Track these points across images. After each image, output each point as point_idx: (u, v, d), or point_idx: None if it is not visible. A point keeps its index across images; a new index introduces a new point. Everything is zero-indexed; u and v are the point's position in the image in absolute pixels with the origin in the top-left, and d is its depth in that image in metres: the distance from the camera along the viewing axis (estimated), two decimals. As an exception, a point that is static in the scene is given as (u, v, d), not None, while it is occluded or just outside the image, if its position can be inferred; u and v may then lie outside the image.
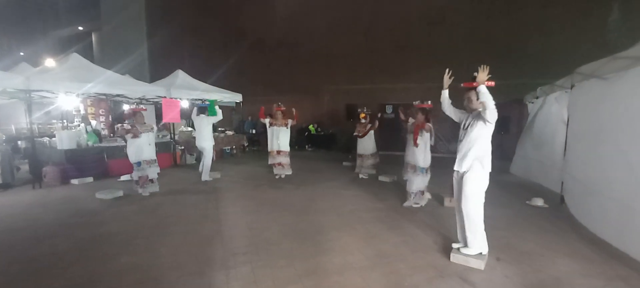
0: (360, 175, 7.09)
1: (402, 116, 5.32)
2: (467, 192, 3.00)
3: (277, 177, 6.79)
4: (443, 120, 10.43)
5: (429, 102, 4.80)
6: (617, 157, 3.43)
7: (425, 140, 4.76)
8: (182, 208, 4.82)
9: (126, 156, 7.26)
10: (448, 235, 3.67)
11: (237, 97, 10.05)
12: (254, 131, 12.69)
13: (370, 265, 3.04)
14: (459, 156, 3.08)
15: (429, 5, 11.27)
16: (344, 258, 3.18)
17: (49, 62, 8.31)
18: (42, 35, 21.55)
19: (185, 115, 9.97)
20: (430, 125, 4.73)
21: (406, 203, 4.87)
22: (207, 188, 6.12)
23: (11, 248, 3.41)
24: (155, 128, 5.79)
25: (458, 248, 3.14)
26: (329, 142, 12.42)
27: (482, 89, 2.79)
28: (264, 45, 14.31)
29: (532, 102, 7.01)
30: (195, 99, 8.85)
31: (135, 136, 5.35)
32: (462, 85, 3.06)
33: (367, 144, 7.00)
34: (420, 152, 4.76)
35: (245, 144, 11.37)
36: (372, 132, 6.96)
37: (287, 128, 6.70)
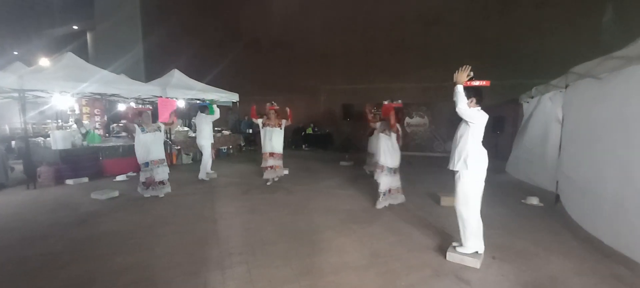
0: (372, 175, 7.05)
1: (368, 115, 5.18)
2: (457, 192, 3.06)
3: (268, 182, 6.29)
4: (439, 120, 10.52)
5: (399, 101, 4.73)
6: (610, 156, 3.46)
7: (392, 141, 4.67)
8: (178, 208, 4.80)
9: (121, 156, 7.30)
10: (444, 234, 3.69)
11: (234, 97, 10.03)
12: (250, 131, 12.65)
13: (366, 264, 3.04)
14: (451, 155, 3.13)
15: (425, 5, 11.30)
16: (340, 257, 3.18)
17: (43, 61, 8.25)
18: (36, 34, 21.34)
19: (181, 115, 9.95)
20: (398, 126, 4.64)
21: (379, 205, 4.74)
22: (203, 188, 6.10)
23: (5, 249, 3.38)
24: (163, 127, 5.55)
25: (454, 247, 3.15)
26: (325, 142, 12.42)
27: (456, 89, 2.87)
28: (260, 45, 14.28)
29: (528, 102, 7.05)
30: (192, 99, 8.82)
31: (130, 133, 5.27)
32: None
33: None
34: (388, 153, 4.68)
35: (242, 144, 11.34)
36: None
37: (281, 129, 6.29)
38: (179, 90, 8.35)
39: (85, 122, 8.81)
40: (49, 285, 2.67)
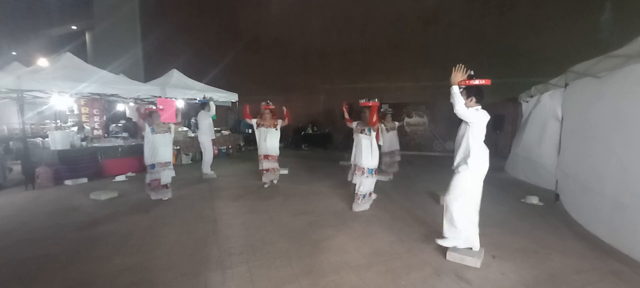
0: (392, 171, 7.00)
1: (345, 113, 5.04)
2: (451, 184, 3.07)
3: (266, 185, 6.03)
4: (438, 119, 10.53)
5: (376, 99, 4.47)
6: (609, 154, 3.47)
7: (372, 140, 4.48)
8: (178, 208, 4.79)
9: (120, 156, 7.29)
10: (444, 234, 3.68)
11: (233, 97, 10.02)
12: (250, 130, 12.62)
13: (367, 263, 3.04)
14: (454, 155, 3.13)
15: (423, 5, 11.31)
16: (340, 257, 3.18)
17: (42, 61, 8.23)
18: (34, 34, 21.30)
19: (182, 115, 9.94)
20: (379, 126, 4.52)
21: (357, 208, 4.57)
22: (202, 188, 6.09)
23: (2, 251, 3.36)
24: (173, 128, 5.36)
25: (436, 240, 3.22)
26: (325, 141, 12.41)
27: (452, 90, 2.85)
28: (259, 45, 14.26)
29: (527, 101, 7.06)
30: (191, 99, 8.81)
31: (140, 132, 5.16)
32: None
33: (394, 140, 6.94)
34: (369, 153, 4.47)
35: (242, 144, 11.32)
36: (396, 129, 6.93)
37: (277, 129, 5.93)
38: (178, 90, 8.34)
39: (87, 128, 8.78)
40: (49, 287, 2.65)
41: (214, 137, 7.26)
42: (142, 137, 5.15)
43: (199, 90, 8.87)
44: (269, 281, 2.73)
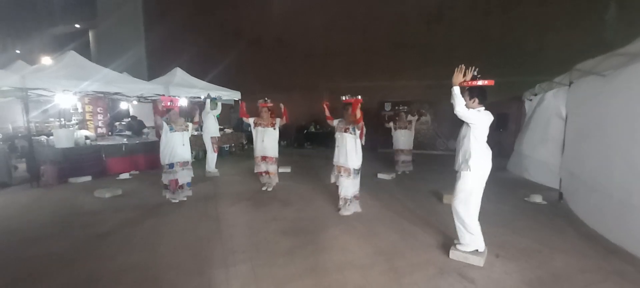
0: (402, 171, 7.07)
1: (326, 111, 4.81)
2: (456, 189, 3.04)
3: (264, 188, 5.68)
4: (441, 118, 10.50)
5: (359, 96, 4.22)
6: (615, 153, 3.45)
7: (356, 139, 4.23)
8: (181, 206, 4.80)
9: (125, 154, 7.32)
10: (447, 233, 3.68)
11: (236, 95, 10.01)
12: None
13: (370, 262, 3.05)
14: (456, 155, 3.12)
15: (426, 3, 11.27)
16: (343, 255, 3.18)
17: (46, 59, 8.26)
18: (38, 32, 21.37)
19: (184, 113, 9.96)
20: (362, 124, 4.19)
21: (346, 212, 4.33)
22: (205, 186, 6.10)
23: (8, 249, 3.39)
24: (191, 126, 5.14)
25: (455, 245, 3.15)
26: (328, 140, 12.40)
27: (453, 91, 2.83)
28: (262, 43, 14.27)
29: (530, 99, 7.03)
30: (194, 97, 8.82)
31: (158, 130, 4.91)
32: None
33: (408, 139, 7.02)
34: (354, 152, 4.23)
35: (244, 142, 11.34)
36: (413, 127, 6.99)
37: (275, 129, 5.53)
38: (182, 88, 8.35)
39: (91, 134, 8.80)
40: (54, 285, 2.68)
41: (218, 135, 7.30)
42: (159, 135, 4.95)
43: (202, 89, 8.88)
44: (272, 279, 2.74)
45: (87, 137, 7.40)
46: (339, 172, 4.36)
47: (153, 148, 7.87)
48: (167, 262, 3.06)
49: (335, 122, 4.56)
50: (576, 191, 4.40)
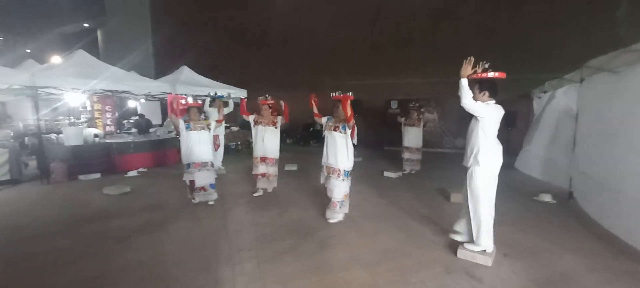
0: (409, 170, 6.94)
1: (313, 108, 4.56)
2: (468, 188, 2.98)
3: (256, 194, 5.23)
4: (448, 115, 10.40)
5: (350, 93, 4.03)
6: (629, 151, 3.37)
7: (346, 138, 3.94)
8: (188, 204, 4.83)
9: (133, 152, 7.40)
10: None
11: (242, 93, 10.03)
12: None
13: (376, 260, 3.03)
14: (464, 151, 3.07)
15: (433, -1, 11.15)
16: (349, 253, 3.18)
17: (55, 58, 8.37)
18: (48, 31, 21.71)
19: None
20: (353, 122, 3.90)
21: (334, 218, 4.02)
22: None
23: (17, 245, 3.45)
24: (213, 125, 4.82)
25: (462, 244, 3.11)
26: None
27: (461, 83, 2.78)
28: (267, 41, 14.28)
29: (540, 97, 6.92)
30: (200, 95, 8.88)
31: (176, 129, 4.73)
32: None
33: (415, 137, 6.86)
34: (343, 153, 3.94)
35: (250, 140, 11.38)
36: (421, 125, 6.84)
37: (276, 128, 5.16)
38: (189, 86, 8.39)
39: (100, 131, 8.92)
40: (60, 281, 2.71)
41: (218, 134, 7.29)
42: (178, 133, 4.79)
43: (208, 87, 8.92)
44: (278, 277, 2.74)
45: (95, 135, 7.50)
46: (329, 173, 4.04)
47: (161, 145, 7.96)
48: (173, 259, 3.09)
49: (323, 120, 4.27)
50: (587, 190, 4.32)
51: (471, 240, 3.07)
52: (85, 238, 3.58)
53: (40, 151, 6.52)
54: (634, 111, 3.35)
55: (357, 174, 6.89)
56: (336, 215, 4.02)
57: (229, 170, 7.24)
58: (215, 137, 7.13)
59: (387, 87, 11.85)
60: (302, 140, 12.48)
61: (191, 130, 4.60)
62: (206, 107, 7.09)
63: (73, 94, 6.96)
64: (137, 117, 10.02)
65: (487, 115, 2.80)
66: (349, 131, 3.92)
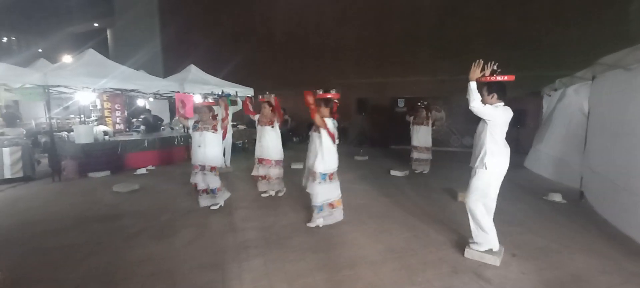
0: (419, 171, 6.83)
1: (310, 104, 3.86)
2: (470, 187, 2.97)
3: (263, 195, 5.04)
4: (456, 114, 10.30)
5: (334, 90, 3.84)
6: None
7: (320, 138, 3.71)
8: (195, 202, 4.87)
9: (142, 150, 7.50)
10: (461, 231, 3.61)
11: (249, 91, 10.09)
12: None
13: (381, 259, 3.02)
14: (472, 152, 3.04)
15: (441, -4, 11.04)
16: (355, 252, 3.17)
17: (66, 58, 8.51)
18: (59, 31, 22.13)
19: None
20: (328, 126, 3.66)
21: (311, 223, 3.82)
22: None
23: (31, 239, 3.54)
24: (220, 127, 4.51)
25: (469, 244, 3.09)
26: (339, 136, 12.33)
27: (469, 86, 2.74)
28: (274, 39, 14.32)
29: (550, 95, 6.80)
30: (207, 94, 8.95)
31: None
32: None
33: (424, 136, 6.74)
34: (319, 154, 3.69)
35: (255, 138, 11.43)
36: (430, 123, 6.71)
37: (273, 127, 4.90)
38: (196, 85, 8.47)
39: (109, 129, 9.06)
40: (72, 276, 2.76)
41: (231, 132, 7.39)
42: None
43: (215, 85, 8.99)
44: (284, 275, 2.75)
45: (105, 133, 7.61)
46: (308, 176, 3.84)
47: (169, 143, 8.05)
48: (181, 255, 3.12)
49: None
50: (599, 189, 4.23)
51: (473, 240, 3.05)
52: (97, 235, 3.64)
53: (52, 149, 6.65)
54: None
55: (363, 173, 6.92)
56: (314, 220, 3.80)
57: (235, 168, 7.29)
58: None
59: (394, 85, 11.79)
60: (308, 139, 12.48)
61: (195, 130, 4.41)
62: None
63: (83, 92, 7.08)
64: (144, 116, 10.15)
65: (496, 118, 2.77)
66: (324, 131, 3.68)
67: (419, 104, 6.92)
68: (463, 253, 3.04)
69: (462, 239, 3.33)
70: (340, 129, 11.98)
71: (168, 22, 17.42)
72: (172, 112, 11.80)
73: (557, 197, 4.79)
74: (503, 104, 2.83)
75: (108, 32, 21.95)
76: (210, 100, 4.51)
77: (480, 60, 2.77)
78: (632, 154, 3.49)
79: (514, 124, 8.62)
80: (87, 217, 4.24)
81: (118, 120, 9.82)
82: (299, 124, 10.84)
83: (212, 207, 4.45)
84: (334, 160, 3.79)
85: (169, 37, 17.31)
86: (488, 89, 2.81)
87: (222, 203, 4.52)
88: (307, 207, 4.57)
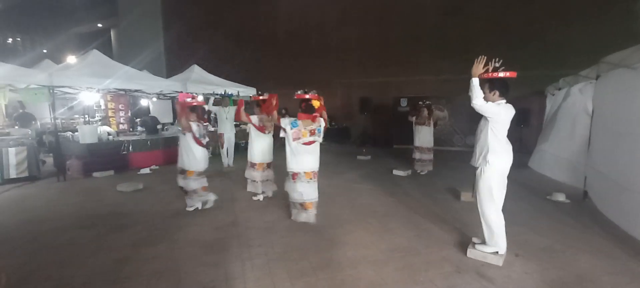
0: (419, 171, 6.79)
1: (307, 101, 4.08)
2: (478, 189, 2.95)
3: (255, 198, 4.95)
4: (459, 113, 10.26)
5: (314, 92, 3.96)
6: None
7: (288, 138, 3.82)
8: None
9: (146, 150, 7.54)
10: (464, 231, 3.61)
11: (252, 91, 10.11)
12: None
13: (384, 259, 3.03)
14: (474, 150, 3.03)
15: (444, -6, 11.00)
16: (357, 251, 3.18)
17: (71, 58, 8.58)
18: (63, 32, 22.29)
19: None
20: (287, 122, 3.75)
21: (302, 217, 3.91)
22: (222, 180, 6.22)
23: (39, 236, 3.58)
24: (195, 126, 4.25)
25: (474, 244, 3.08)
26: (342, 136, 12.37)
27: (471, 82, 2.73)
28: (276, 39, 14.32)
29: (553, 94, 6.76)
30: (210, 94, 8.99)
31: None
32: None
33: (426, 136, 6.72)
34: (317, 154, 3.98)
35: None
36: (432, 123, 6.71)
37: (268, 132, 4.90)
38: (199, 85, 8.51)
39: (113, 130, 9.12)
40: (78, 274, 2.79)
41: (222, 132, 7.32)
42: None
43: (218, 85, 9.02)
44: (287, 273, 2.76)
45: (109, 133, 7.66)
46: (295, 177, 3.97)
47: (172, 143, 8.07)
48: (185, 253, 3.14)
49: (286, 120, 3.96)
50: (603, 189, 4.21)
51: (484, 241, 3.03)
52: (102, 233, 3.68)
53: (57, 149, 6.70)
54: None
55: (365, 172, 6.92)
56: (302, 216, 3.93)
57: (238, 167, 7.30)
58: (220, 135, 7.21)
59: (397, 84, 11.77)
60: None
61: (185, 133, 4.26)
62: (210, 106, 7.09)
63: (88, 92, 7.13)
64: (145, 117, 10.21)
65: (497, 116, 2.75)
66: (290, 131, 3.77)
67: (420, 103, 6.90)
68: (466, 253, 3.04)
69: (465, 239, 3.33)
70: (343, 129, 12.12)
71: (171, 22, 17.49)
72: (175, 112, 11.85)
73: (560, 197, 4.77)
74: (505, 101, 2.82)
75: (112, 32, 22.08)
76: (200, 99, 4.39)
77: (483, 56, 2.76)
78: (636, 154, 3.47)
79: (517, 123, 8.62)
80: (92, 215, 4.28)
81: (122, 120, 9.88)
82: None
83: (187, 208, 4.39)
84: (289, 160, 3.92)
85: (173, 37, 17.37)
86: (490, 85, 2.81)
87: (198, 206, 4.42)
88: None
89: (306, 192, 3.86)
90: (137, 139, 7.67)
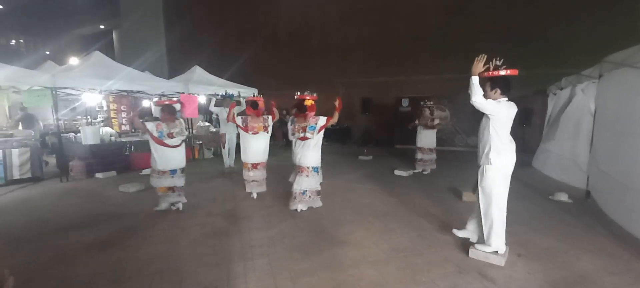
0: (421, 170, 6.79)
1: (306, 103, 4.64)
2: (480, 187, 2.94)
3: (252, 195, 5.10)
4: (461, 113, 10.23)
5: (311, 93, 4.33)
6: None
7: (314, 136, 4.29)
8: (201, 201, 4.93)
9: (147, 150, 7.53)
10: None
11: (253, 92, 10.13)
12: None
13: (386, 258, 3.02)
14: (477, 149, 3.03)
15: (445, -7, 10.97)
16: (359, 251, 3.17)
17: (73, 60, 8.61)
18: (65, 34, 22.39)
19: (202, 110, 10.18)
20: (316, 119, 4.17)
21: (298, 206, 4.31)
22: (224, 181, 6.23)
23: (42, 236, 3.61)
24: (177, 131, 4.44)
25: (473, 244, 3.06)
26: (343, 136, 12.37)
27: (471, 80, 2.72)
28: (277, 39, 14.34)
29: (555, 94, 6.73)
30: (211, 94, 9.01)
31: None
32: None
33: (428, 137, 6.73)
34: (312, 150, 4.42)
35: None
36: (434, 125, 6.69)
37: (267, 132, 5.18)
38: (201, 86, 8.53)
39: (115, 131, 9.15)
40: (82, 273, 2.81)
41: (224, 132, 7.33)
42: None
43: (220, 86, 9.04)
44: (288, 273, 2.76)
45: (111, 134, 7.69)
46: (297, 171, 4.50)
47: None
48: (187, 254, 3.15)
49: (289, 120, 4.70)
50: (606, 189, 4.19)
51: (481, 240, 3.02)
52: (105, 233, 3.69)
53: (59, 150, 6.74)
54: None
55: (367, 172, 6.92)
56: (298, 204, 4.35)
57: (239, 168, 7.30)
58: (222, 136, 7.23)
59: (399, 84, 11.75)
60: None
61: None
62: (211, 107, 7.11)
63: (90, 94, 7.16)
64: (147, 118, 10.25)
65: (498, 113, 2.75)
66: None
67: (422, 103, 6.89)
68: (467, 253, 3.03)
69: (467, 239, 3.32)
70: (344, 129, 12.10)
71: (173, 23, 17.55)
72: (178, 112, 11.89)
73: (563, 197, 4.75)
74: (507, 99, 2.81)
75: (114, 34, 22.18)
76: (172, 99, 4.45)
77: (484, 54, 2.75)
78: (639, 153, 3.45)
79: (520, 123, 8.59)
80: (94, 216, 4.30)
81: (124, 121, 9.92)
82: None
83: (155, 208, 4.45)
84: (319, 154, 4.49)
85: (174, 38, 17.42)
86: (491, 83, 2.80)
87: (162, 207, 4.44)
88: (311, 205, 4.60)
89: (302, 183, 4.34)
90: (139, 140, 7.69)
